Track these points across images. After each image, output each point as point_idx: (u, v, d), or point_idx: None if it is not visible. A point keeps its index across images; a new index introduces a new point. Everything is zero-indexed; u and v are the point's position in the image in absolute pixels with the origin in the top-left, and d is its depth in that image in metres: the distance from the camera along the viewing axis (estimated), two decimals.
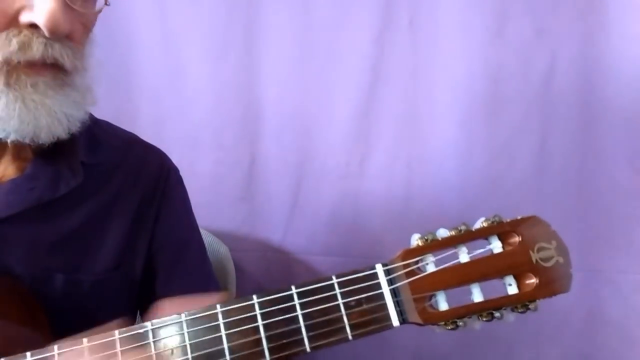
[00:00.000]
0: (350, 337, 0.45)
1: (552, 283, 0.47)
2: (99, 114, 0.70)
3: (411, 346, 1.14)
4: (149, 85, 1.08)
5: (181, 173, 0.75)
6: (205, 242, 0.76)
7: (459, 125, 1.03)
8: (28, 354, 0.44)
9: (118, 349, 0.44)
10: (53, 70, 0.53)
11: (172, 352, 0.44)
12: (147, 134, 0.75)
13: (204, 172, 1.11)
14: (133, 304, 0.70)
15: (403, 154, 1.06)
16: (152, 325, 0.45)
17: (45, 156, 0.59)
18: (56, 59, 0.51)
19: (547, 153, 1.02)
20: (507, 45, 0.98)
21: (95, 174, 0.64)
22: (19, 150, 0.58)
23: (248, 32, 1.04)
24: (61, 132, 0.55)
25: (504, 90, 1.00)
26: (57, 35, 0.50)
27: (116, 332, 0.45)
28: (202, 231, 0.77)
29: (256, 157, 1.11)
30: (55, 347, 0.45)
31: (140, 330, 0.45)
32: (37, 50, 0.50)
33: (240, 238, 1.14)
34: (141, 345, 0.44)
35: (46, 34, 0.49)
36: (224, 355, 0.44)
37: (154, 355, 0.44)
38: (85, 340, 0.45)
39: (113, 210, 0.65)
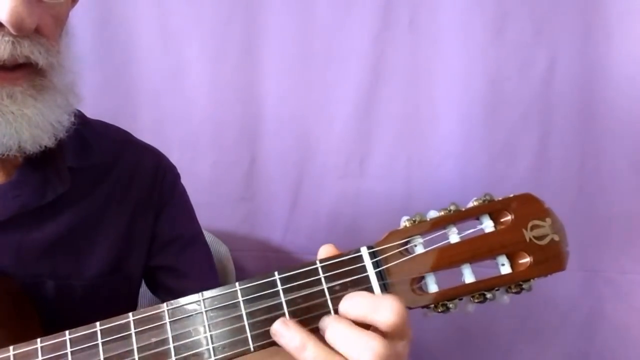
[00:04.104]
0: None
1: (547, 262, 0.45)
2: (99, 114, 0.70)
3: (411, 346, 1.14)
4: (149, 85, 1.08)
5: (181, 173, 0.75)
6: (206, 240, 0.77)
7: (458, 125, 1.03)
8: (10, 348, 0.44)
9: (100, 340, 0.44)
10: (27, 74, 0.50)
11: (153, 343, 0.43)
12: (147, 134, 0.74)
13: (204, 172, 1.11)
14: (131, 306, 0.69)
15: (403, 154, 1.06)
16: (133, 315, 0.44)
17: (33, 162, 0.57)
18: (27, 56, 0.48)
19: (547, 153, 1.02)
20: (507, 45, 0.98)
21: (85, 177, 0.62)
22: (6, 156, 0.56)
23: (248, 32, 1.04)
24: (47, 141, 0.53)
25: (503, 90, 1.00)
26: (23, 31, 0.47)
27: (97, 324, 0.44)
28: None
29: (256, 157, 1.11)
30: (44, 337, 0.44)
31: (122, 321, 0.44)
32: (4, 50, 0.47)
33: (240, 238, 1.14)
34: (123, 336, 0.44)
35: (11, 31, 0.46)
36: (208, 344, 0.43)
37: (136, 349, 0.43)
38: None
39: (105, 213, 0.64)
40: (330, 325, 0.41)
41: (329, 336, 0.40)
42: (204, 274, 0.71)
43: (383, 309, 0.40)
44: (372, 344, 0.39)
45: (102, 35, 1.05)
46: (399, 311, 0.40)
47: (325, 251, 0.46)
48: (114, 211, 0.64)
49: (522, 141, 1.02)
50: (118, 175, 0.66)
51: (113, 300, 0.64)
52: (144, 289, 0.73)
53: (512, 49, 0.98)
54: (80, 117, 0.60)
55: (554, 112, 1.00)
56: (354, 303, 0.42)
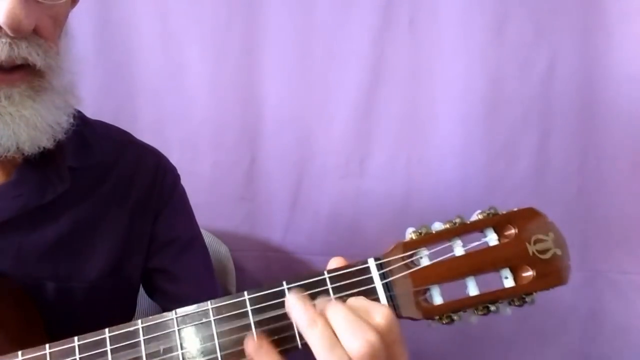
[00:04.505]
0: None
1: (549, 275, 0.46)
2: (100, 115, 0.70)
3: (411, 347, 1.13)
4: (149, 85, 1.08)
5: (181, 173, 0.75)
6: (205, 242, 0.76)
7: (458, 125, 1.03)
8: (19, 353, 0.44)
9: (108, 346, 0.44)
10: (25, 75, 0.50)
11: (162, 351, 0.44)
12: (147, 134, 0.74)
13: (204, 172, 1.11)
14: (131, 308, 0.69)
15: (403, 153, 1.06)
16: (142, 323, 0.44)
17: (33, 161, 0.56)
18: (25, 58, 0.48)
19: (546, 153, 1.02)
20: (507, 45, 0.98)
21: (85, 177, 0.62)
22: (5, 156, 0.55)
23: (248, 32, 1.04)
24: (46, 142, 0.53)
25: (503, 90, 1.00)
26: (20, 33, 0.46)
27: (106, 330, 0.44)
28: (202, 231, 0.77)
29: (256, 157, 1.11)
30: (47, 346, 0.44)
31: (131, 329, 0.44)
32: (1, 51, 0.47)
33: (240, 238, 1.14)
34: (132, 343, 0.44)
35: (8, 32, 0.46)
36: (215, 352, 0.44)
37: (144, 356, 0.43)
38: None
39: (105, 214, 0.63)
40: (330, 308, 0.41)
41: (328, 316, 0.41)
42: (200, 278, 0.70)
43: (374, 312, 0.41)
44: (368, 335, 0.39)
45: (102, 35, 1.05)
46: (388, 316, 0.41)
47: (336, 263, 0.47)
48: (114, 211, 0.64)
49: (522, 141, 1.02)
50: (118, 176, 0.66)
51: (113, 301, 0.64)
52: (143, 291, 0.73)
53: (512, 49, 0.98)
54: (80, 117, 0.60)
55: (554, 112, 1.00)
56: (349, 303, 0.43)
